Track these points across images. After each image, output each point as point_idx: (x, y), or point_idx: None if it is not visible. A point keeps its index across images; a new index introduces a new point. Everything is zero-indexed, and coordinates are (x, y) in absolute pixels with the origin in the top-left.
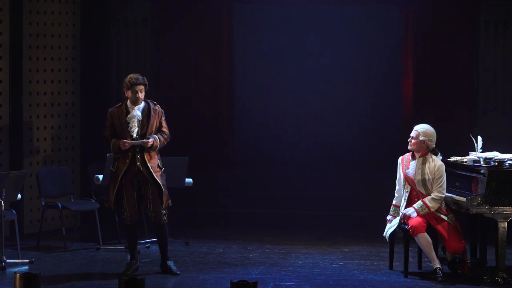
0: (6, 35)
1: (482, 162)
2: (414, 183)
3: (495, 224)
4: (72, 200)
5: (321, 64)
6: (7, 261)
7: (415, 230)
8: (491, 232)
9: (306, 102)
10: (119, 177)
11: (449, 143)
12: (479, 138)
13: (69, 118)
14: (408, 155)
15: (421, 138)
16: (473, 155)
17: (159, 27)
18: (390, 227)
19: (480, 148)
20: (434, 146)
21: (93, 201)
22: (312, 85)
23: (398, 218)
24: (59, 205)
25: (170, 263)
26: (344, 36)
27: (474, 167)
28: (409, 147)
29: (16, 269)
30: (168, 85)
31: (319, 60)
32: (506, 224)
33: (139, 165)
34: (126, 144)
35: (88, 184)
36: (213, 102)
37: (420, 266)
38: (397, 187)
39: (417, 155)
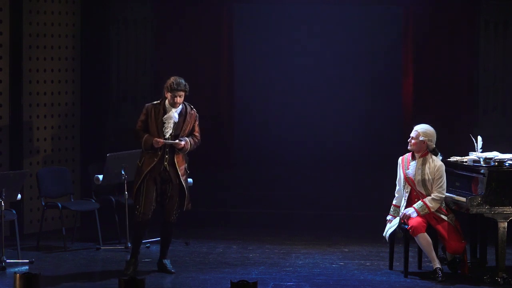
0: (6, 35)
1: (482, 162)
2: (414, 183)
3: (495, 224)
4: (72, 200)
5: (321, 64)
6: (7, 261)
7: (415, 230)
8: (491, 232)
9: (306, 102)
10: (144, 173)
11: (449, 143)
12: (479, 138)
13: (69, 118)
14: (408, 155)
15: (421, 138)
16: (473, 155)
17: (159, 27)
18: (390, 227)
19: (480, 148)
20: (434, 146)
21: (93, 201)
22: (312, 85)
23: (398, 218)
24: (59, 205)
25: (167, 261)
26: (344, 36)
27: (474, 167)
28: (409, 147)
29: (16, 269)
30: None
31: (319, 60)
32: (506, 224)
33: (166, 164)
34: (160, 142)
35: (88, 184)
36: (213, 102)
37: (420, 266)
38: (397, 187)
39: (417, 155)
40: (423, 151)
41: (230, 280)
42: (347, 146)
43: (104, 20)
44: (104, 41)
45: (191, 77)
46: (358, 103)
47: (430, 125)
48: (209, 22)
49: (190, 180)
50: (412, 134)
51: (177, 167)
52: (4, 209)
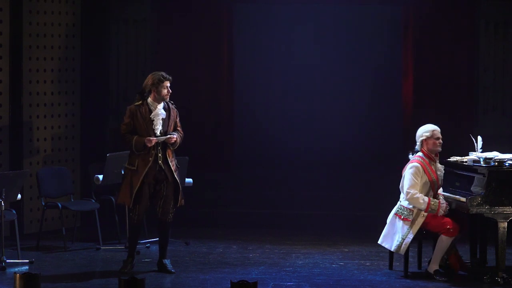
0: (6, 35)
1: (482, 162)
2: (439, 185)
3: (495, 224)
4: (72, 200)
5: (321, 64)
6: (7, 261)
7: (455, 230)
8: (491, 232)
9: (306, 102)
10: (142, 177)
11: (449, 143)
12: (479, 138)
13: (69, 118)
14: (424, 161)
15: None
16: (473, 155)
17: (159, 27)
18: (406, 241)
19: (480, 148)
20: None
21: (93, 201)
22: (311, 85)
23: (406, 231)
24: (59, 205)
25: (167, 261)
26: (344, 36)
27: (474, 167)
28: (439, 149)
29: (16, 269)
30: None
31: (319, 60)
32: (506, 224)
33: (160, 163)
34: (153, 141)
35: (88, 184)
36: (213, 102)
37: (420, 266)
38: (415, 192)
39: (436, 157)
40: None
41: (230, 280)
42: (347, 146)
43: (104, 20)
44: (104, 41)
45: (191, 77)
46: (358, 103)
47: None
48: (209, 22)
49: (190, 180)
50: (440, 134)
51: (170, 163)
52: (4, 209)
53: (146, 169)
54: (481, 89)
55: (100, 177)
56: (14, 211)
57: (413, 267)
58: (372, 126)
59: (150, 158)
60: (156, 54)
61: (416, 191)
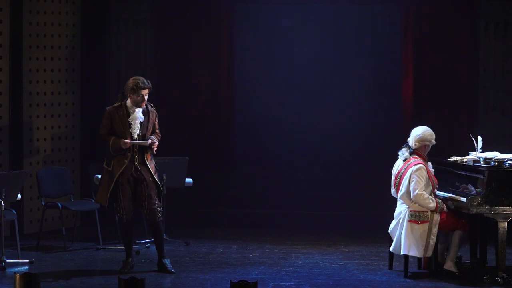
0: (6, 35)
1: (482, 162)
2: (437, 183)
3: (495, 224)
4: (72, 200)
5: (321, 64)
6: (7, 261)
7: (467, 224)
8: (491, 232)
9: (306, 102)
10: (115, 177)
11: (449, 143)
12: (479, 138)
13: (69, 118)
14: (423, 161)
15: None
16: (473, 155)
17: (159, 27)
18: (431, 243)
19: (480, 148)
20: None
21: (93, 201)
22: (311, 85)
23: (428, 233)
24: (59, 205)
25: (166, 261)
26: (344, 36)
27: (474, 167)
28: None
29: (16, 269)
30: (168, 85)
31: (319, 60)
32: (506, 224)
33: (137, 164)
34: (128, 143)
35: (88, 184)
36: (213, 102)
37: (420, 266)
38: (424, 192)
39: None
40: None
41: (230, 280)
42: (347, 146)
43: (104, 20)
44: (104, 41)
45: (191, 77)
46: (358, 103)
47: (429, 126)
48: (209, 22)
49: (190, 180)
50: None
51: (148, 165)
52: (4, 209)
53: (121, 170)
54: (481, 89)
55: (100, 177)
56: (14, 211)
57: (413, 267)
58: (372, 126)
59: (125, 160)
60: (156, 54)
61: (424, 192)
